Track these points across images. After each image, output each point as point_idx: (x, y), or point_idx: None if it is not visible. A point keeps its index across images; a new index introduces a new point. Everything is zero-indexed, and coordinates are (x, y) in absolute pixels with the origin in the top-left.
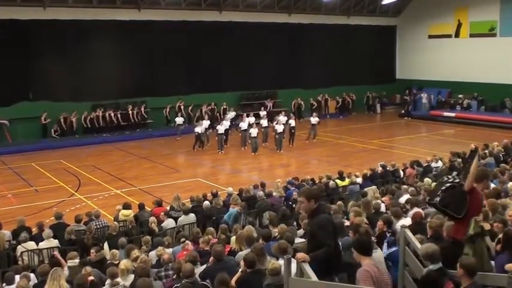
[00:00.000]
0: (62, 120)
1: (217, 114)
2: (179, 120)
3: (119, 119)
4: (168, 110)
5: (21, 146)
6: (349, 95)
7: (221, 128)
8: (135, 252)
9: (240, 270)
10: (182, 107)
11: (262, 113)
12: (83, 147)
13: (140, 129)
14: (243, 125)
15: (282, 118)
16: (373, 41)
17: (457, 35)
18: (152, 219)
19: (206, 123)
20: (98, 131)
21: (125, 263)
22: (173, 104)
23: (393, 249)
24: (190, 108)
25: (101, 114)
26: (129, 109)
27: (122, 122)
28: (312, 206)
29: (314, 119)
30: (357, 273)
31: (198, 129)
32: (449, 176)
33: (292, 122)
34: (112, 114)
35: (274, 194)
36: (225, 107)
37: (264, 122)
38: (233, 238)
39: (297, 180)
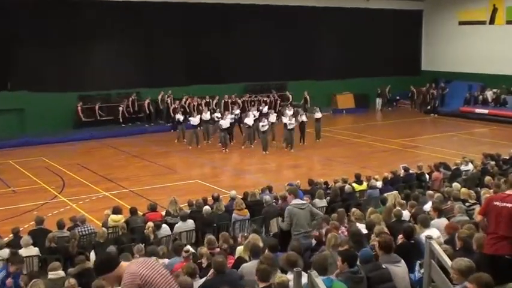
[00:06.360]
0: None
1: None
2: (181, 117)
3: (109, 112)
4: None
5: None
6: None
7: (225, 123)
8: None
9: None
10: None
11: (264, 109)
12: (67, 143)
13: (133, 124)
14: (248, 121)
15: (290, 112)
16: (396, 27)
17: (491, 21)
18: (150, 224)
19: (206, 115)
20: (86, 125)
21: None
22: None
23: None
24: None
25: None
26: (124, 101)
27: (112, 116)
28: None
29: (318, 114)
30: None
31: (195, 121)
32: None
33: (304, 117)
34: (100, 107)
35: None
36: (227, 100)
37: (272, 117)
38: (239, 248)
39: (311, 184)
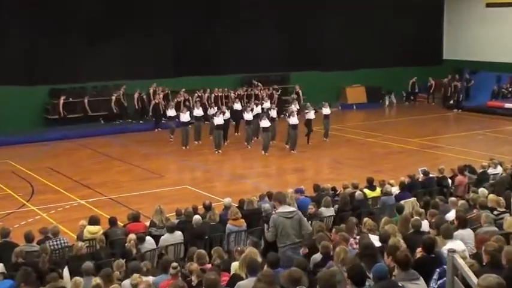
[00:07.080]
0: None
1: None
2: (172, 113)
3: (95, 108)
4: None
5: None
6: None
7: (219, 120)
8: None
9: None
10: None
11: (266, 104)
12: (37, 144)
13: (116, 121)
14: (248, 116)
15: (295, 109)
16: (414, 10)
17: None
18: (132, 236)
19: (198, 111)
20: (60, 123)
21: None
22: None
23: (443, 279)
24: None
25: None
26: (114, 94)
27: (90, 112)
28: None
29: (326, 110)
30: None
31: (185, 118)
32: None
33: (311, 114)
34: (83, 102)
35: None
36: (217, 94)
37: (273, 113)
38: (235, 263)
39: (317, 190)
